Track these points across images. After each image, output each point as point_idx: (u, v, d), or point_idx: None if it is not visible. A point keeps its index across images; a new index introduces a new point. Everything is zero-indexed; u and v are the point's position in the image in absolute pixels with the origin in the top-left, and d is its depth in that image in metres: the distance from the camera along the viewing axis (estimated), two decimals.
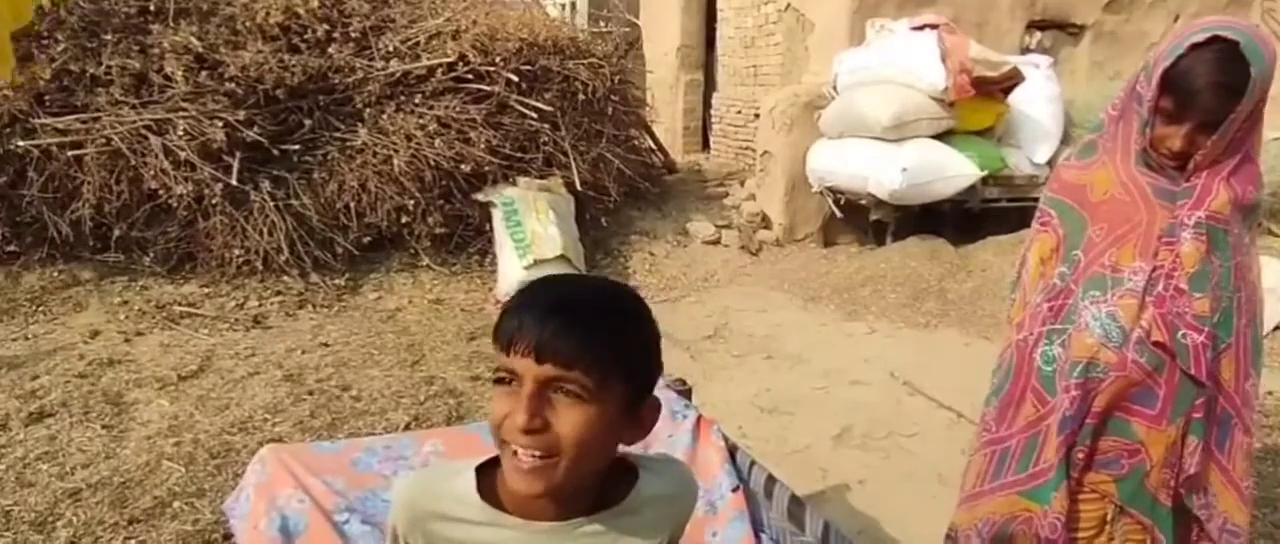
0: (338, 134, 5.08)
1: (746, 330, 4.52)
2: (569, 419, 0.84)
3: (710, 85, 8.77)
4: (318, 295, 4.68)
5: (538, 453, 0.84)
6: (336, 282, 4.83)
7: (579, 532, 0.92)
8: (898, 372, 3.87)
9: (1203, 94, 1.36)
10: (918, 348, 4.29)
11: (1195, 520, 1.52)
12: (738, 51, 7.85)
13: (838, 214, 5.98)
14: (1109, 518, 1.53)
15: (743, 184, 7.03)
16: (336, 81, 5.14)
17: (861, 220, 5.98)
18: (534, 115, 5.41)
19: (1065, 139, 6.00)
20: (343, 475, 1.69)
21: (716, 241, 6.06)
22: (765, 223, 6.30)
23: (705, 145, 8.93)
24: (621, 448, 0.95)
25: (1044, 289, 1.55)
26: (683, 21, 8.75)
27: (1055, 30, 7.00)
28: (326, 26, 5.26)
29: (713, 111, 8.53)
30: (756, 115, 6.84)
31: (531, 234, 4.91)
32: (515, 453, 0.85)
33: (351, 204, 4.94)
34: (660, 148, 7.43)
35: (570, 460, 0.85)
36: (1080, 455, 1.50)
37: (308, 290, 4.70)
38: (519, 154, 5.39)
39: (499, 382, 0.86)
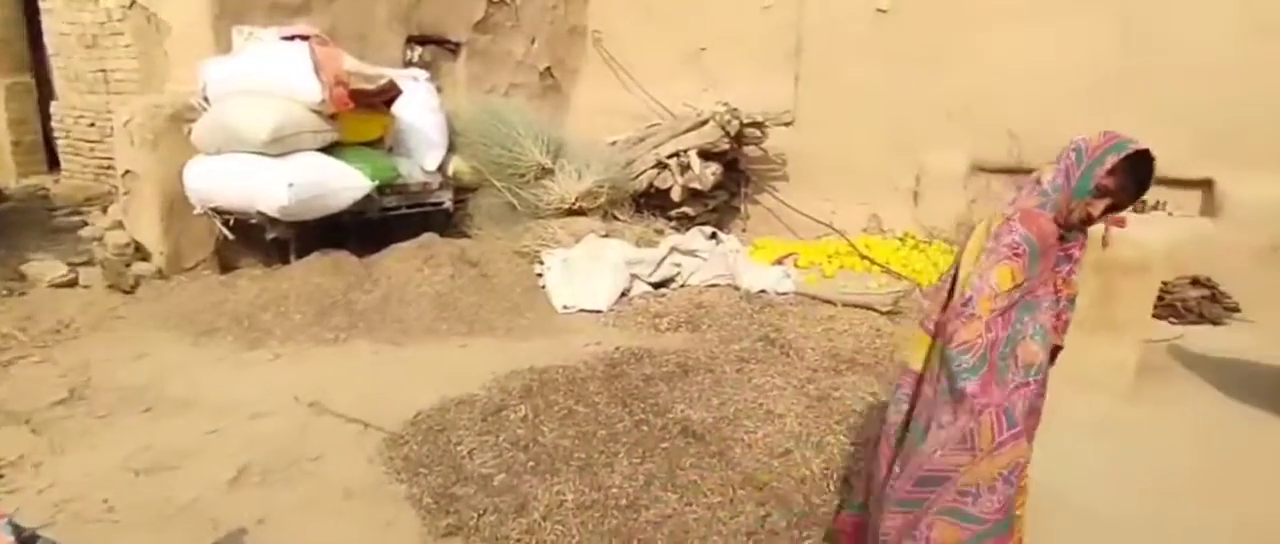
0: None
1: (116, 384, 3.78)
2: None
3: (47, 92, 7.08)
4: None
5: None
6: None
7: None
8: (302, 394, 3.69)
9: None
10: (326, 365, 4.17)
11: None
12: (77, 51, 6.49)
13: (229, 236, 5.45)
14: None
15: (107, 210, 5.89)
16: None
17: (263, 240, 5.56)
18: None
19: (451, 147, 6.53)
20: None
21: (72, 283, 4.95)
22: (141, 253, 5.39)
23: (53, 164, 7.22)
24: None
25: (1006, 301, 1.98)
26: None
27: (435, 46, 7.57)
28: None
29: (56, 124, 6.92)
30: None
31: None
32: None
33: None
34: None
35: None
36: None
37: None
38: None
39: None
